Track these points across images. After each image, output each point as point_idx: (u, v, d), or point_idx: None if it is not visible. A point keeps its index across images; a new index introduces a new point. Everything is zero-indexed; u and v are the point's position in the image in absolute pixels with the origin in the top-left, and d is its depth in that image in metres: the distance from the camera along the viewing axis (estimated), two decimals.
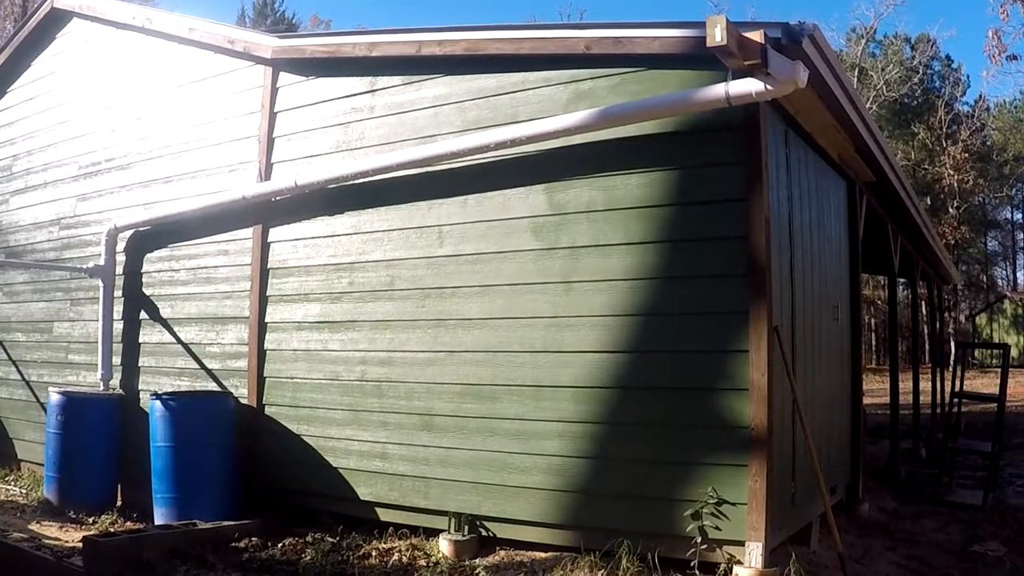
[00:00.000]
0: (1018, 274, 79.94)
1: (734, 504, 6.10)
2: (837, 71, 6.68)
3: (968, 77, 63.39)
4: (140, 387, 9.76)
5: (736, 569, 6.04)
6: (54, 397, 9.34)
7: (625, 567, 6.22)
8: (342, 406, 8.10)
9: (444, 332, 7.53)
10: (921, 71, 57.84)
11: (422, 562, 6.91)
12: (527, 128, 6.91)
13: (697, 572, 6.11)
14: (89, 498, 9.01)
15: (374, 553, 7.12)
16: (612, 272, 6.70)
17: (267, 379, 8.66)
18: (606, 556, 6.40)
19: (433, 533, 7.36)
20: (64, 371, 10.73)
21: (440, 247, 7.62)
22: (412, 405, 7.65)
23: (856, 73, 51.16)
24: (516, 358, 7.11)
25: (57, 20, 11.77)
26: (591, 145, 6.82)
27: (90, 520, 8.60)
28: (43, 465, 9.56)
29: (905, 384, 14.46)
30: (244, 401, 8.73)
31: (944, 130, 55.89)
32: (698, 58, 6.16)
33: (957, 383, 11.96)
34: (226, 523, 7.72)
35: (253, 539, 7.49)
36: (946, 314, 39.70)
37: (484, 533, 7.20)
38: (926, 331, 34.88)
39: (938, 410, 17.60)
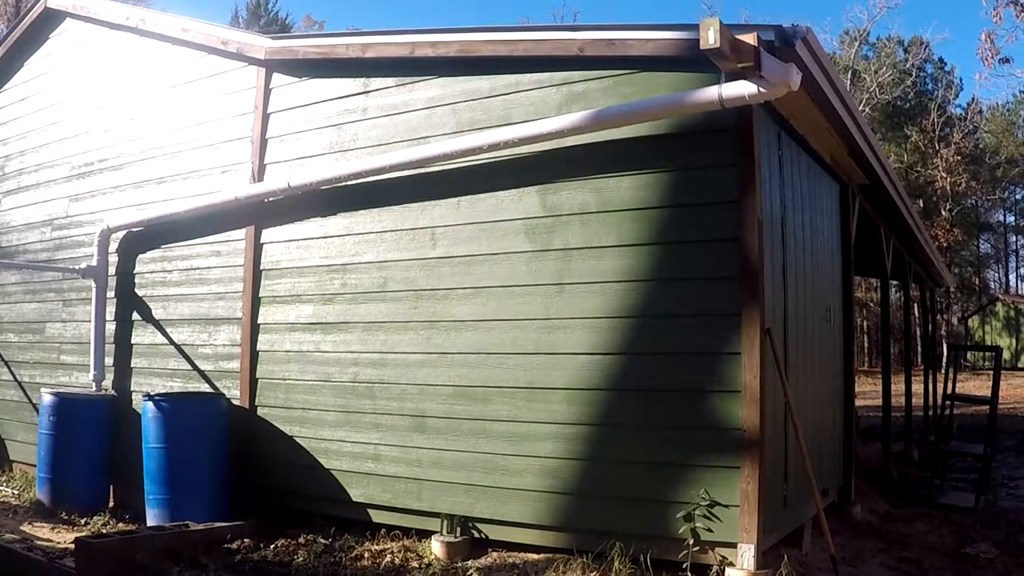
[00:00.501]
0: (1010, 276, 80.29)
1: (726, 506, 6.10)
2: (830, 74, 6.69)
3: (961, 80, 63.56)
4: (132, 388, 9.74)
5: (728, 571, 6.05)
6: (46, 398, 9.32)
7: (617, 569, 6.23)
8: (335, 407, 8.09)
9: (437, 334, 7.53)
10: (914, 74, 58.00)
11: (414, 564, 6.91)
12: (520, 130, 6.92)
13: (689, 574, 6.11)
14: (81, 499, 9.00)
15: (367, 554, 7.11)
16: (605, 274, 6.70)
17: (260, 380, 8.65)
18: (598, 558, 6.41)
19: (425, 535, 7.36)
20: (56, 372, 10.71)
21: (433, 249, 7.62)
22: (405, 407, 7.65)
23: (849, 75, 51.26)
24: (509, 360, 7.11)
25: (50, 20, 11.75)
26: (584, 147, 6.83)
27: (82, 521, 8.58)
28: (35, 466, 9.53)
29: (897, 386, 14.44)
30: (237, 402, 8.73)
31: (937, 133, 56.06)
32: (691, 60, 6.17)
33: (949, 385, 11.98)
34: (218, 524, 7.70)
35: (245, 540, 7.48)
36: (938, 316, 39.71)
37: (476, 535, 7.21)
38: (918, 333, 34.90)
39: (930, 412, 17.61)
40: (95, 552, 6.64)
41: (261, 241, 8.75)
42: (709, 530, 6.12)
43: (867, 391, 23.43)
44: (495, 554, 7.06)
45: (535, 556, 6.88)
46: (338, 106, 8.39)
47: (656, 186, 6.59)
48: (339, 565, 6.88)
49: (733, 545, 6.08)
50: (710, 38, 5.60)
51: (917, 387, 16.73)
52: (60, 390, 9.61)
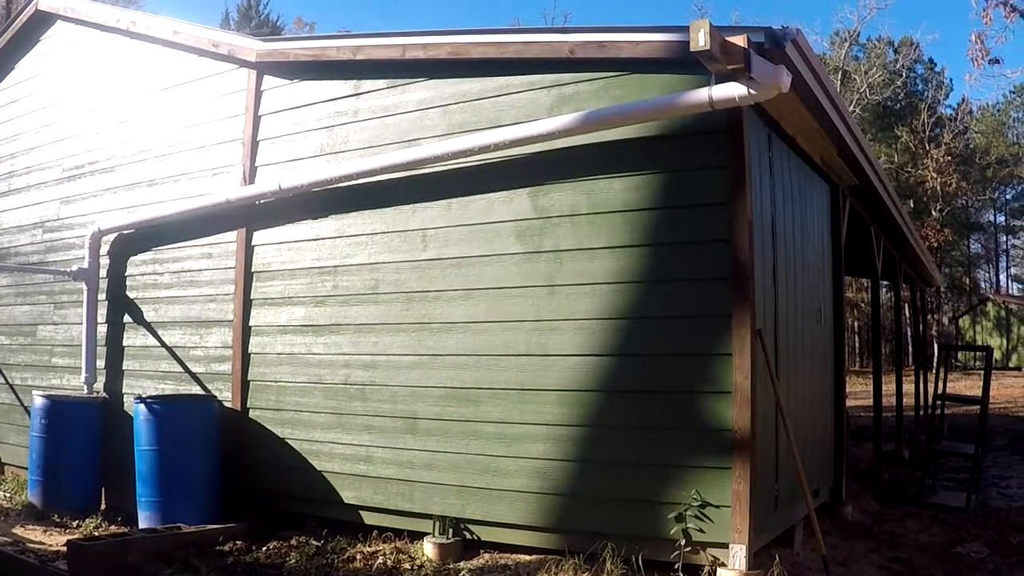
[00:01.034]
0: (1001, 276, 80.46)
1: (718, 507, 6.12)
2: (820, 75, 6.71)
3: (951, 80, 63.63)
4: (124, 390, 9.74)
5: (720, 571, 6.06)
6: (38, 400, 9.31)
7: (609, 570, 6.24)
8: (326, 409, 8.09)
9: (428, 336, 7.54)
10: (904, 74, 58.08)
11: (406, 565, 6.91)
12: (511, 132, 6.93)
13: (681, 574, 6.12)
14: (73, 502, 8.99)
15: (359, 556, 7.12)
16: (596, 276, 6.71)
17: (251, 382, 8.65)
18: (590, 559, 6.41)
19: (418, 536, 7.37)
20: (48, 374, 10.70)
21: (424, 251, 7.62)
22: (396, 408, 7.66)
23: (839, 76, 51.32)
24: (500, 361, 7.12)
25: (42, 23, 11.75)
26: (575, 149, 6.84)
27: (74, 524, 8.58)
28: (27, 469, 9.53)
29: (888, 386, 14.50)
30: (228, 405, 8.72)
31: (927, 133, 56.21)
32: (682, 62, 6.19)
33: (940, 385, 12.00)
34: (210, 527, 7.71)
35: (238, 542, 7.49)
36: (929, 316, 39.81)
37: (468, 536, 7.21)
38: (909, 333, 35.02)
39: (921, 412, 17.66)
40: (87, 554, 6.64)
41: (252, 243, 8.75)
42: (701, 531, 6.14)
43: (858, 391, 23.48)
44: (487, 555, 7.06)
45: (527, 557, 6.88)
46: (329, 108, 8.40)
47: (647, 187, 6.60)
48: (331, 567, 6.89)
49: (725, 546, 6.09)
50: (700, 40, 5.61)
51: (908, 387, 16.78)
52: (52, 393, 9.60)
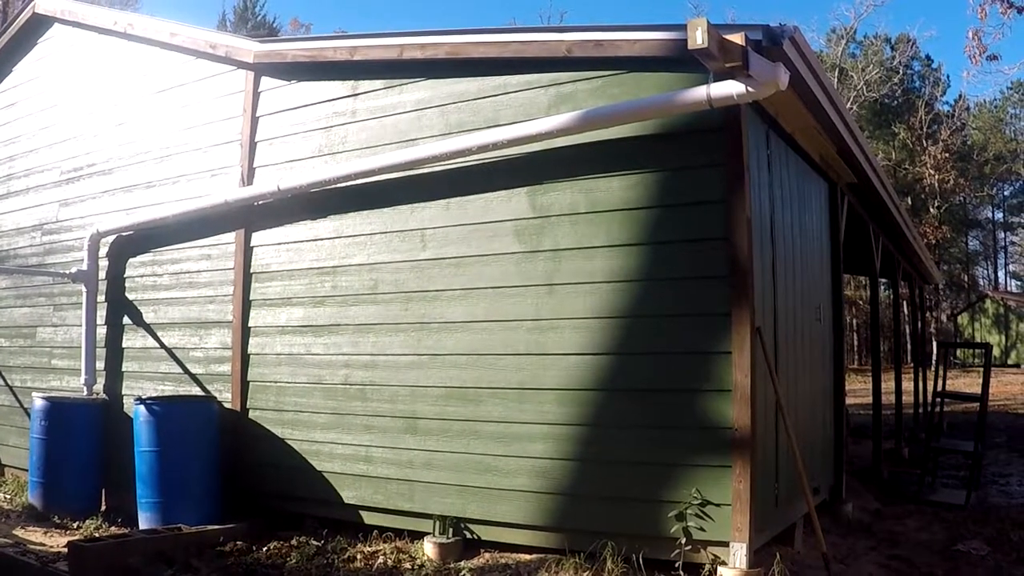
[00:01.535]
0: (999, 273, 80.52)
1: (718, 505, 6.12)
2: (818, 73, 6.72)
3: (948, 77, 63.72)
4: (124, 392, 9.74)
5: (720, 570, 6.06)
6: (38, 402, 9.31)
7: (610, 568, 6.24)
8: (326, 410, 8.10)
9: (427, 335, 7.54)
10: (901, 71, 58.12)
11: (407, 565, 6.92)
12: (509, 131, 6.93)
13: (682, 573, 6.13)
14: (74, 503, 8.99)
15: (359, 556, 7.12)
16: (595, 274, 6.72)
17: (251, 383, 8.65)
18: (591, 558, 6.42)
19: (418, 536, 7.37)
20: (48, 376, 10.70)
21: (423, 250, 7.63)
22: (396, 408, 7.66)
23: (836, 74, 51.36)
24: (499, 361, 7.12)
25: (39, 26, 11.75)
26: (573, 148, 6.84)
27: (75, 525, 8.58)
28: (27, 470, 9.52)
29: (887, 384, 14.50)
30: (228, 405, 8.73)
31: (925, 130, 56.21)
32: (679, 61, 6.19)
33: (939, 383, 12.01)
34: (211, 527, 7.71)
35: (238, 543, 7.49)
36: (928, 314, 39.84)
37: (469, 535, 7.21)
38: (908, 331, 35.02)
39: (920, 410, 17.66)
40: (88, 556, 6.64)
41: (251, 244, 8.76)
42: (701, 529, 6.15)
43: (857, 389, 23.47)
44: (487, 555, 7.07)
45: (527, 556, 6.89)
46: (327, 109, 8.40)
47: (645, 186, 6.61)
48: (331, 567, 6.89)
49: (725, 544, 6.09)
50: (698, 38, 5.61)
51: (907, 385, 16.78)
52: (51, 394, 9.60)
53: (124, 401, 9.66)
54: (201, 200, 8.97)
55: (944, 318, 60.43)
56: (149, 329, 9.59)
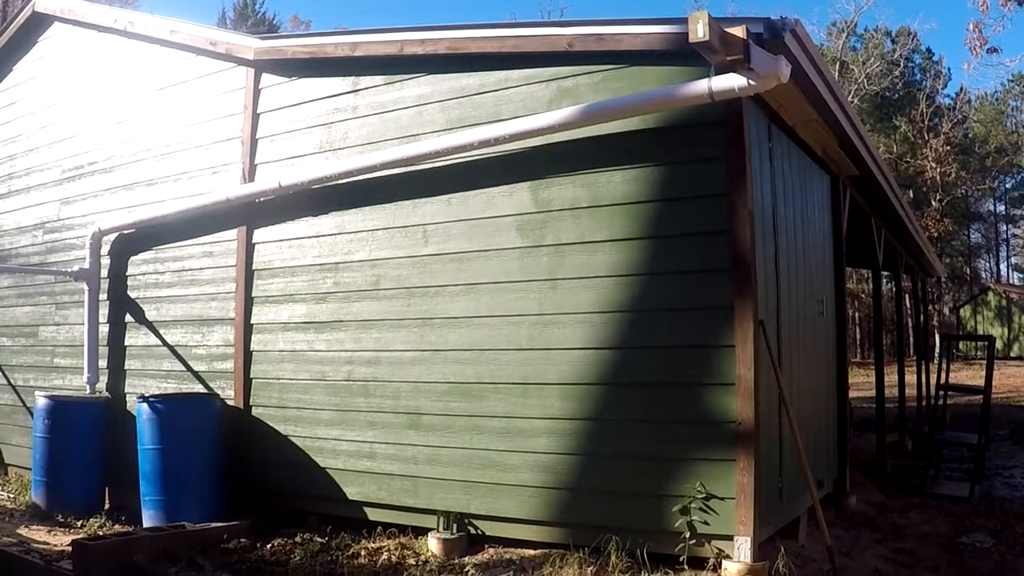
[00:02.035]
0: (1001, 266, 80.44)
1: (722, 499, 6.12)
2: (819, 65, 6.71)
3: (949, 70, 63.43)
4: (127, 390, 9.74)
5: (725, 563, 6.06)
6: (41, 401, 9.32)
7: (614, 563, 6.24)
8: (329, 406, 8.10)
9: (430, 331, 7.54)
10: (902, 64, 57.94)
11: (411, 561, 6.92)
12: (510, 126, 6.92)
13: (686, 567, 6.14)
14: (77, 502, 9.00)
15: (363, 553, 7.12)
16: (597, 269, 6.71)
17: (254, 380, 8.65)
18: (595, 552, 6.42)
19: (422, 532, 7.37)
20: (50, 375, 10.70)
21: (425, 246, 7.62)
22: (399, 404, 7.66)
23: (837, 67, 51.21)
24: (502, 356, 7.12)
25: (38, 24, 11.74)
26: (575, 142, 6.83)
27: (78, 524, 8.60)
28: (30, 469, 9.53)
29: (890, 377, 14.48)
30: (231, 402, 8.73)
31: (926, 123, 56.10)
32: (680, 54, 6.18)
33: (942, 375, 11.99)
34: (215, 524, 7.71)
35: (242, 540, 7.50)
36: (930, 307, 39.81)
37: (473, 531, 7.22)
38: (910, 324, 34.99)
39: (923, 403, 17.65)
40: (92, 554, 6.64)
41: (253, 241, 8.75)
42: (705, 523, 6.14)
43: (860, 382, 23.44)
44: (492, 550, 7.07)
45: (532, 551, 6.88)
46: (328, 105, 8.39)
47: (647, 180, 6.60)
48: (336, 563, 6.89)
49: (729, 538, 6.09)
50: (699, 31, 5.61)
51: (910, 378, 16.77)
52: (54, 393, 9.61)
53: (127, 399, 9.67)
54: (203, 197, 8.96)
55: (947, 311, 60.39)
56: (151, 327, 9.59)
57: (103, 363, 9.98)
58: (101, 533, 8.06)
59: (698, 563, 6.19)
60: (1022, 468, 12.25)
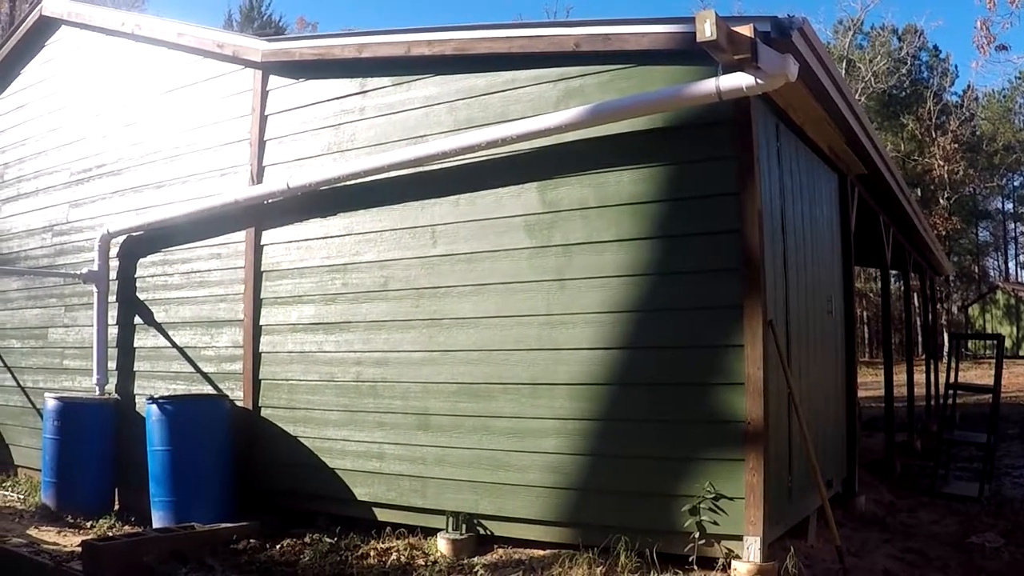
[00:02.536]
0: (1010, 264, 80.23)
1: (731, 499, 6.11)
2: (827, 64, 6.70)
3: (956, 67, 63.35)
4: (136, 391, 9.77)
5: (734, 564, 6.05)
6: (50, 403, 9.34)
7: (623, 563, 6.23)
8: (338, 407, 8.11)
9: (439, 332, 7.54)
10: (909, 62, 57.85)
11: (420, 561, 6.92)
12: (518, 126, 6.93)
13: (695, 567, 6.14)
14: (87, 502, 9.03)
15: (372, 553, 7.13)
16: (606, 269, 6.71)
17: (263, 381, 8.67)
18: (604, 552, 6.41)
19: (431, 532, 7.37)
20: (60, 377, 10.73)
21: (433, 247, 7.62)
22: (408, 405, 7.66)
23: (844, 65, 51.13)
24: (511, 356, 7.12)
25: (46, 28, 11.78)
26: (583, 142, 6.83)
27: (88, 524, 8.62)
28: (40, 470, 9.56)
29: (899, 376, 14.44)
30: (240, 404, 8.74)
31: (933, 121, 55.96)
32: (688, 53, 6.18)
33: (951, 374, 11.97)
34: (224, 525, 7.72)
35: (251, 541, 7.51)
36: (939, 305, 39.74)
37: (482, 531, 7.22)
38: (919, 323, 34.89)
39: (932, 402, 17.62)
40: (102, 554, 6.66)
41: (262, 243, 8.77)
42: (715, 523, 6.14)
43: (868, 382, 23.41)
44: (501, 550, 7.07)
45: (541, 552, 6.89)
46: (335, 106, 8.40)
47: (655, 180, 6.60)
48: (345, 564, 6.89)
49: (739, 538, 6.08)
50: (706, 31, 5.60)
51: (919, 377, 16.73)
52: (64, 394, 9.64)
53: (136, 400, 9.69)
54: (211, 199, 8.98)
55: (955, 310, 60.27)
56: (160, 328, 9.61)
57: (112, 365, 10.01)
58: (111, 534, 8.07)
59: (707, 563, 6.19)
60: None
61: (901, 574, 6.98)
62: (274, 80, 8.90)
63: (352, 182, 8.01)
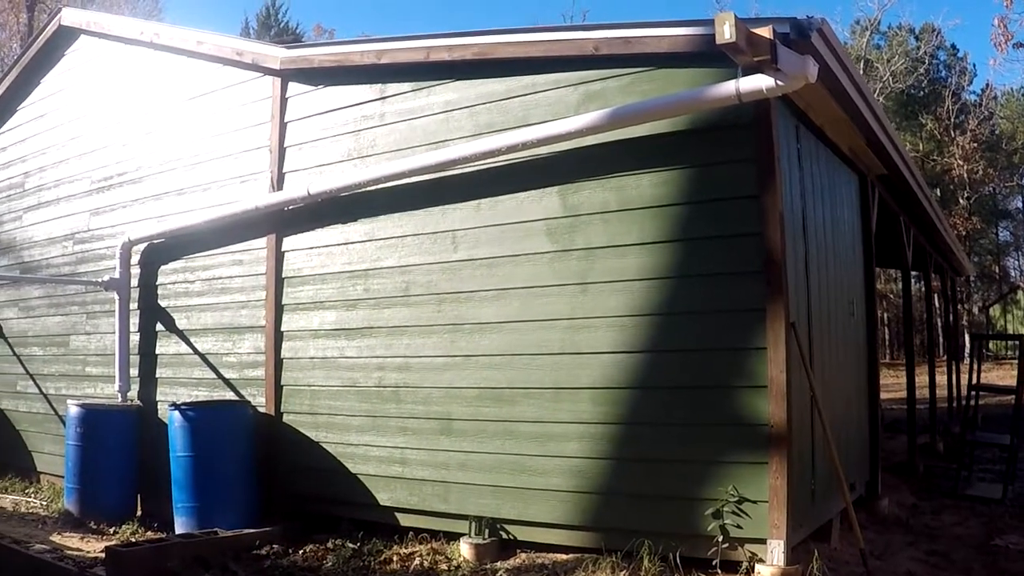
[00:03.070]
0: None
1: (755, 502, 6.09)
2: (846, 64, 6.68)
3: (974, 66, 62.82)
4: (158, 398, 9.81)
5: (758, 567, 6.03)
6: (73, 410, 9.39)
7: (647, 567, 6.22)
8: (360, 412, 8.12)
9: (461, 336, 7.54)
10: (927, 61, 57.47)
11: (443, 566, 6.92)
12: (538, 131, 6.93)
13: (719, 571, 6.12)
14: (109, 509, 9.06)
15: (395, 558, 7.14)
16: (628, 272, 6.70)
17: (284, 387, 8.69)
18: (627, 557, 6.40)
19: (454, 537, 7.37)
20: (82, 384, 10.78)
21: (454, 252, 7.63)
22: (430, 410, 7.67)
23: (861, 65, 50.90)
24: (533, 361, 7.12)
25: (65, 38, 11.84)
26: (603, 146, 6.83)
27: (111, 530, 8.64)
28: (63, 477, 9.62)
29: (920, 378, 14.38)
30: (262, 409, 8.77)
31: (952, 120, 55.68)
32: (707, 56, 6.17)
33: (973, 375, 11.90)
34: (247, 531, 7.75)
35: (274, 546, 7.53)
36: (960, 306, 39.56)
37: (504, 536, 7.21)
38: (940, 324, 34.76)
39: (954, 403, 17.54)
40: (125, 561, 6.70)
41: (282, 249, 8.79)
42: (738, 527, 6.12)
43: (889, 384, 23.23)
44: (524, 555, 7.06)
45: (564, 556, 6.88)
46: (355, 113, 8.42)
47: (676, 183, 6.59)
48: (368, 569, 6.91)
49: (763, 541, 6.06)
50: (726, 33, 5.60)
51: (940, 378, 16.65)
52: (86, 401, 9.68)
53: (158, 407, 9.73)
54: (232, 206, 9.01)
55: (976, 310, 59.97)
56: (182, 335, 9.65)
57: (134, 371, 10.05)
58: (134, 540, 8.09)
59: (731, 567, 6.17)
60: None
61: None
62: (293, 87, 8.92)
63: (373, 188, 8.03)
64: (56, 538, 8.29)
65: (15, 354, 11.91)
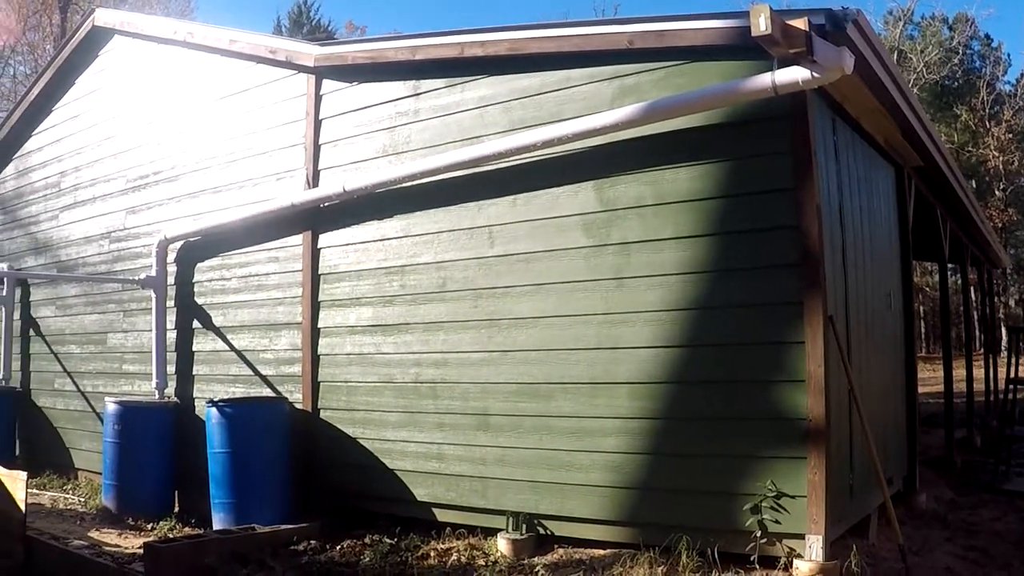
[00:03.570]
0: None
1: (793, 497, 6.05)
2: (882, 55, 6.64)
3: (1009, 56, 62.14)
4: (195, 395, 9.88)
5: (796, 563, 5.99)
6: (110, 407, 9.46)
7: (685, 563, 6.20)
8: (397, 408, 8.14)
9: (497, 332, 7.55)
10: (961, 52, 56.93)
11: (481, 561, 6.94)
12: (573, 125, 6.91)
13: (757, 566, 6.10)
14: (147, 505, 9.14)
15: (432, 553, 7.15)
16: (664, 267, 6.68)
17: (321, 383, 8.73)
18: (665, 552, 6.38)
19: (491, 532, 7.38)
20: (119, 381, 10.87)
21: (491, 247, 7.63)
22: (467, 405, 7.68)
23: (895, 56, 50.52)
24: (570, 356, 7.10)
25: (99, 38, 11.95)
26: (638, 140, 6.81)
27: (149, 527, 8.73)
28: (100, 473, 9.71)
29: (957, 371, 14.27)
30: (299, 406, 8.81)
31: (987, 111, 55.04)
32: (742, 48, 6.15)
33: (1011, 369, 11.79)
34: (284, 527, 7.78)
35: (311, 542, 7.55)
36: (996, 299, 39.20)
37: (542, 531, 7.21)
38: (976, 317, 34.43)
39: (991, 397, 17.39)
40: (164, 556, 6.74)
41: (318, 246, 8.82)
42: (776, 522, 6.08)
43: (926, 378, 23.07)
44: (561, 550, 7.06)
45: (601, 552, 6.87)
46: (389, 109, 8.44)
47: (712, 176, 6.56)
48: (405, 564, 6.92)
49: (801, 536, 6.02)
50: (761, 25, 5.57)
51: (978, 372, 16.52)
52: (123, 399, 9.76)
53: (196, 404, 9.81)
54: (267, 204, 9.06)
55: (1012, 303, 59.42)
56: (219, 332, 9.70)
57: (171, 368, 10.13)
58: (172, 536, 8.15)
59: (769, 562, 6.14)
60: None
61: (964, 573, 6.89)
62: (327, 84, 8.95)
63: (408, 184, 8.04)
64: (94, 534, 8.37)
65: (53, 352, 12.03)
